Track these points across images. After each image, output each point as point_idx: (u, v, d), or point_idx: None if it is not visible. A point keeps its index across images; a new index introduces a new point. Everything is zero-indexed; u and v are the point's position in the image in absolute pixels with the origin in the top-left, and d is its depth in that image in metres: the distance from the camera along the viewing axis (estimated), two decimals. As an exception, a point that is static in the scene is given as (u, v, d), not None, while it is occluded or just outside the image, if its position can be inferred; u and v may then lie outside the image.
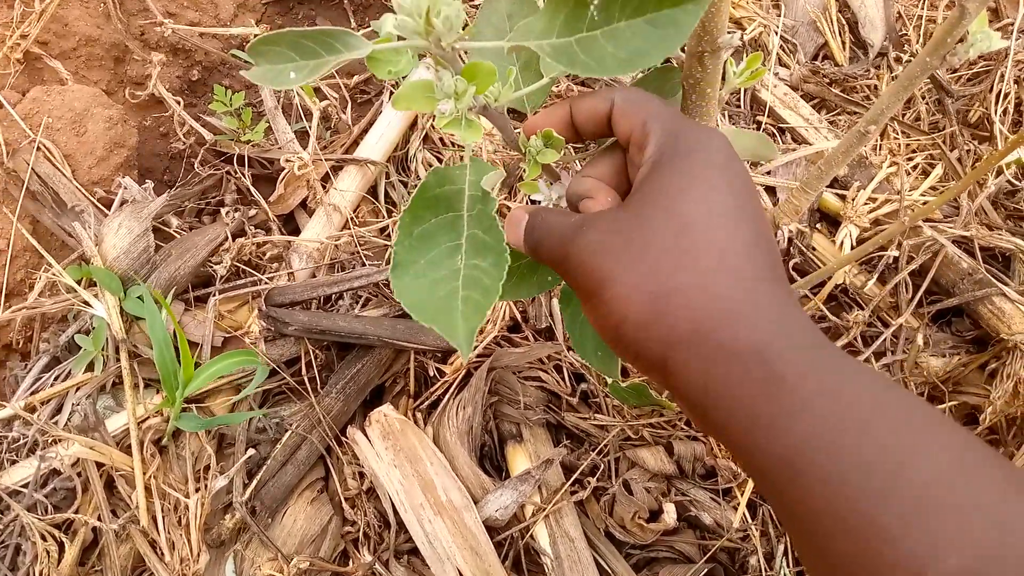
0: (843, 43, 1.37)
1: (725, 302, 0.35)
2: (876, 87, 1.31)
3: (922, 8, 1.41)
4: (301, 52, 0.44)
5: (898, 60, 1.34)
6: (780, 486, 0.32)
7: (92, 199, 1.05)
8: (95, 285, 0.99)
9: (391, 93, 1.40)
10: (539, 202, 0.52)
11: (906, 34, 1.39)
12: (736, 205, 0.37)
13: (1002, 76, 1.22)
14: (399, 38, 0.42)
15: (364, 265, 1.10)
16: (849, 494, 0.29)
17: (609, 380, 1.01)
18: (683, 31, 0.37)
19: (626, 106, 0.42)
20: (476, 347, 1.02)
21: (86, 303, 0.96)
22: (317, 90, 1.30)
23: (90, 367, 0.97)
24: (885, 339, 1.08)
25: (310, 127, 1.29)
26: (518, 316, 1.07)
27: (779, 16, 1.36)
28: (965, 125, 1.25)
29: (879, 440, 0.29)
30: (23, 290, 1.02)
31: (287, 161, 1.11)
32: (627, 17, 0.39)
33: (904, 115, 1.25)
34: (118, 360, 0.95)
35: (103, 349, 0.96)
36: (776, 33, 1.33)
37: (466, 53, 0.45)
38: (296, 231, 1.19)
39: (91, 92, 1.09)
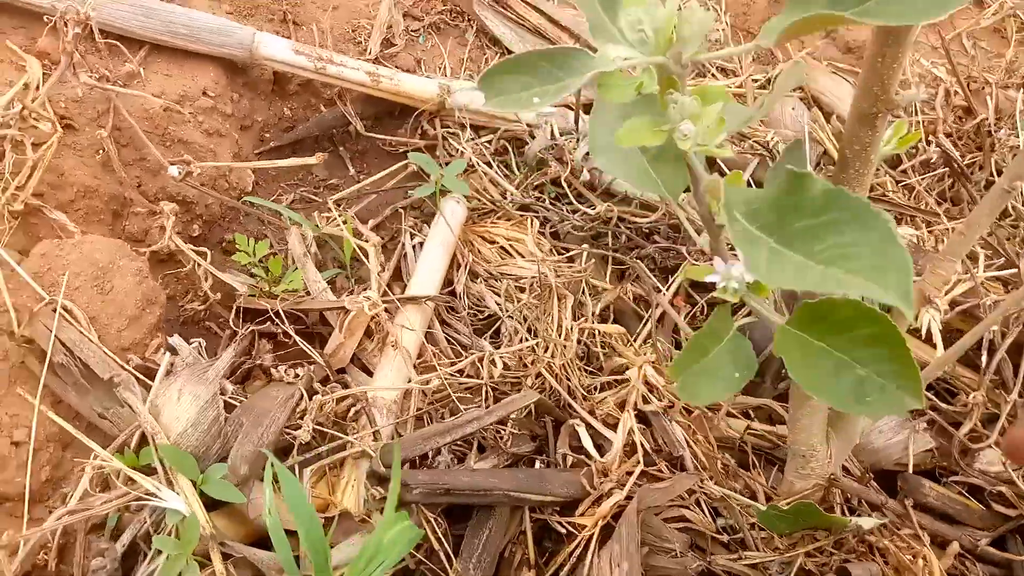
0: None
1: None
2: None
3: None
4: (541, 77, 0.45)
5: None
6: None
7: (129, 368, 0.84)
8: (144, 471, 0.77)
9: (411, 234, 1.29)
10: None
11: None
12: None
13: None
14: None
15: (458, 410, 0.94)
16: None
17: (763, 507, 0.90)
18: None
19: None
20: (616, 484, 0.87)
21: (149, 494, 0.74)
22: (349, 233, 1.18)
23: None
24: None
25: (348, 273, 1.17)
26: (647, 445, 0.95)
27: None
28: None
29: None
30: (46, 494, 0.78)
31: (354, 304, 0.96)
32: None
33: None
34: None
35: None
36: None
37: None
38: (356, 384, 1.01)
39: (114, 243, 0.91)
